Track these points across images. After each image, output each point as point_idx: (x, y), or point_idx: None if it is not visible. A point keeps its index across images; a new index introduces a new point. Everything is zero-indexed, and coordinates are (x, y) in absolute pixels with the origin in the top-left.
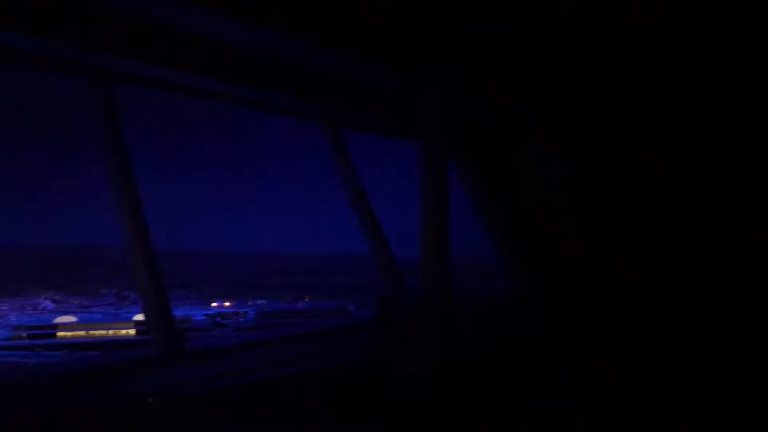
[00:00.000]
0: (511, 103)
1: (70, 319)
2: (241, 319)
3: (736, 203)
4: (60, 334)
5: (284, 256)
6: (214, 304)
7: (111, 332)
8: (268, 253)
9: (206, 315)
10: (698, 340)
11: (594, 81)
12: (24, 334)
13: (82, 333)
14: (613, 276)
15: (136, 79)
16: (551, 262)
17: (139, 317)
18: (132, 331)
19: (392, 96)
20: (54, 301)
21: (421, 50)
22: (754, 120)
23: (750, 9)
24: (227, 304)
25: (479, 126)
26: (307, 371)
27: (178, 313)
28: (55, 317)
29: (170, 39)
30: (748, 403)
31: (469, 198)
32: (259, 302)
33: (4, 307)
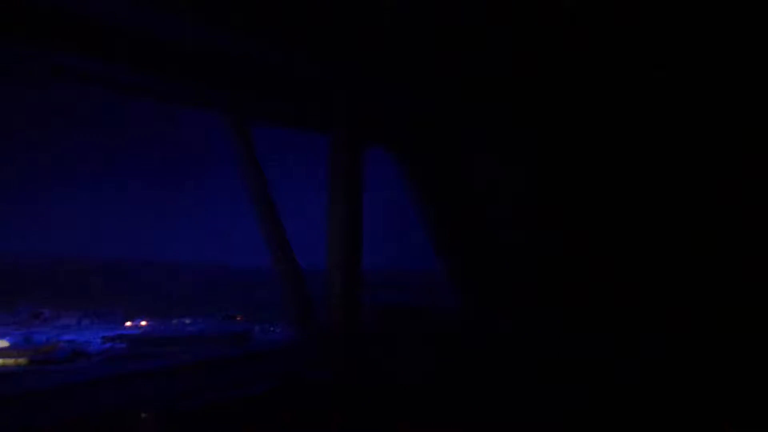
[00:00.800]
0: (458, 102)
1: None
2: (118, 346)
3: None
4: None
5: (239, 270)
6: (128, 324)
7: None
8: (222, 265)
9: (104, 338)
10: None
11: (547, 81)
12: None
13: None
14: (566, 288)
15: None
16: (500, 274)
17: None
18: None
19: (303, 85)
20: None
21: (332, 34)
22: (719, 125)
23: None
24: (144, 323)
25: (425, 128)
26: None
27: (69, 337)
28: None
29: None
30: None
31: (411, 201)
32: (186, 321)
33: None
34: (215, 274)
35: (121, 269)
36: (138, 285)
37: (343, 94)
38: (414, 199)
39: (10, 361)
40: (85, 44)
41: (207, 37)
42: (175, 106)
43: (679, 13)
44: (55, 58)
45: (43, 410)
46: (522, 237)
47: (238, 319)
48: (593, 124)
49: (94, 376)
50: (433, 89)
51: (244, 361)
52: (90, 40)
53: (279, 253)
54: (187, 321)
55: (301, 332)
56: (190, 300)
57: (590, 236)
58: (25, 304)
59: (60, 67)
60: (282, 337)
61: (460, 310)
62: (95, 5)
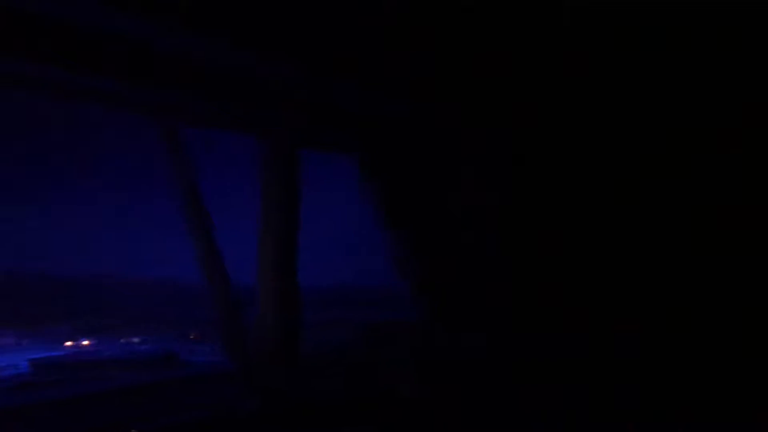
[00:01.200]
0: (417, 104)
1: None
2: (15, 372)
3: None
4: None
5: (198, 286)
6: (68, 344)
7: None
8: (178, 280)
9: (30, 361)
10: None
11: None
12: None
13: None
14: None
15: None
16: (465, 283)
17: None
18: None
19: (229, 81)
20: None
21: (256, 19)
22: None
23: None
24: (86, 343)
25: (384, 133)
26: None
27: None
28: None
29: None
30: None
31: (374, 208)
32: (135, 340)
33: None
34: (171, 290)
35: (72, 285)
36: (91, 302)
37: (276, 91)
38: (374, 207)
39: None
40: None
41: (126, 28)
42: (99, 108)
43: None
44: None
45: None
46: (492, 243)
47: (192, 337)
48: (562, 124)
49: None
50: (389, 90)
51: (168, 388)
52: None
53: (210, 268)
54: (136, 340)
55: (234, 356)
56: (144, 317)
57: (562, 238)
58: None
59: None
60: (219, 359)
61: (425, 324)
62: None
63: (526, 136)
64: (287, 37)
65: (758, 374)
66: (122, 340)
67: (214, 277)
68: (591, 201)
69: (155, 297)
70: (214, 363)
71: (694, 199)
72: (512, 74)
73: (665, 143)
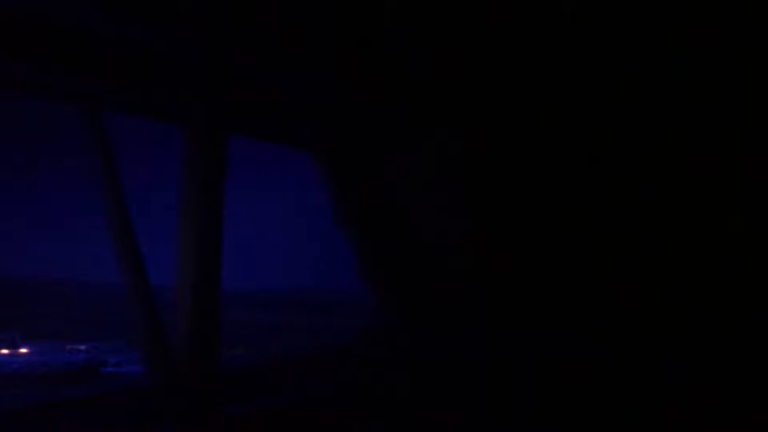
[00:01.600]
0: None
1: None
2: None
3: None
4: None
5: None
6: (4, 351)
7: None
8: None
9: None
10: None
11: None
12: None
13: None
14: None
15: None
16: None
17: None
18: None
19: (145, 63)
20: None
21: None
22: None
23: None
24: (24, 351)
25: (343, 127)
26: None
27: None
28: None
29: None
30: None
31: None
32: (81, 347)
33: None
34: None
35: (24, 289)
36: (43, 306)
37: (194, 75)
38: (334, 207)
39: None
40: None
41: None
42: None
43: None
44: None
45: None
46: (455, 241)
47: None
48: (522, 122)
49: None
50: (335, 75)
51: (82, 407)
52: None
53: (128, 268)
54: (82, 347)
55: (154, 369)
56: (96, 323)
57: (526, 237)
58: None
59: None
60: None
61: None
62: None
63: (483, 133)
64: (194, 16)
65: (758, 374)
66: (68, 347)
67: (133, 277)
68: (552, 199)
69: (116, 302)
70: (138, 375)
71: (653, 201)
72: (465, 72)
73: (621, 141)
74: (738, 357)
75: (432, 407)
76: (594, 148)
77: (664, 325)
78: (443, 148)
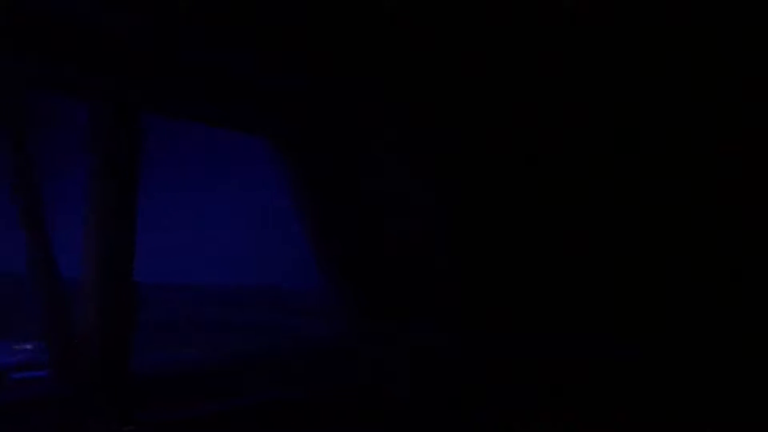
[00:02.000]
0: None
1: None
2: None
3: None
4: None
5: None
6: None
7: None
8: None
9: None
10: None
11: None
12: None
13: None
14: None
15: None
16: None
17: None
18: None
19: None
20: None
21: None
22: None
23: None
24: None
25: (314, 116)
26: None
27: None
28: None
29: None
30: None
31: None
32: (28, 346)
33: None
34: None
35: None
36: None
37: (103, 39)
38: (293, 199)
39: None
40: None
41: None
42: None
43: None
44: None
45: None
46: (419, 235)
47: None
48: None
49: None
50: (288, 58)
51: None
52: None
53: (36, 259)
54: (29, 347)
55: (61, 374)
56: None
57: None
58: None
59: None
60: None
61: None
62: None
63: (464, 131)
64: None
65: (758, 375)
66: (15, 347)
67: (41, 273)
68: (528, 193)
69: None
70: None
71: (640, 202)
72: (438, 57)
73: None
74: (738, 357)
75: (407, 411)
76: (594, 149)
77: (647, 323)
78: (421, 146)
